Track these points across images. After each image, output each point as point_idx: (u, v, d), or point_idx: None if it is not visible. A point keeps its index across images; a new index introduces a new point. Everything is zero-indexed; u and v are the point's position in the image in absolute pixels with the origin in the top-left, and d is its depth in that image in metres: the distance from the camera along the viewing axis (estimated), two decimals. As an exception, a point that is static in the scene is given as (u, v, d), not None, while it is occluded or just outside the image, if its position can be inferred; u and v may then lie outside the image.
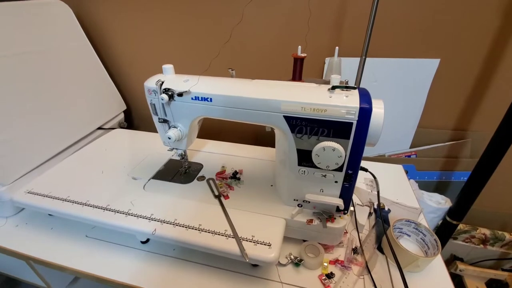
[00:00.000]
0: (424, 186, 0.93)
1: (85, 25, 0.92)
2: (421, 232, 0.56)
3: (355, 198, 0.68)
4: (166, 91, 0.49)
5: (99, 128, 0.90)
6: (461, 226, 0.96)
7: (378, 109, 0.42)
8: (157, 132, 0.58)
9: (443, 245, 0.93)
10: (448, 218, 0.84)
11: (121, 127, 0.99)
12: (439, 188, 0.95)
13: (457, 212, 0.82)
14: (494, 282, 0.97)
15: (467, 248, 1.02)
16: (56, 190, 0.60)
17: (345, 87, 0.43)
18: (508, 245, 0.99)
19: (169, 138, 0.53)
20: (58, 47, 0.81)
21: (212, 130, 0.83)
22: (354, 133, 0.42)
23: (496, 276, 0.97)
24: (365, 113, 0.41)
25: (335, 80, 0.45)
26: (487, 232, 0.98)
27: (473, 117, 0.84)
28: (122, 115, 1.03)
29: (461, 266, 0.98)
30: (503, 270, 1.01)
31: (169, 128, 0.54)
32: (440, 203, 0.85)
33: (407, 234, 0.58)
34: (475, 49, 0.75)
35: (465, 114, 0.84)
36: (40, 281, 0.70)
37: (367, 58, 0.75)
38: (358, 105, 0.41)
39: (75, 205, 0.57)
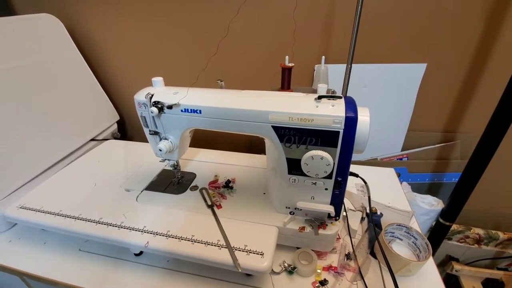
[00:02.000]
0: (417, 188, 0.94)
1: (76, 38, 0.93)
2: (412, 236, 0.56)
3: (347, 203, 0.68)
4: (155, 104, 0.49)
5: (92, 139, 0.90)
6: (455, 227, 0.97)
7: (363, 117, 0.42)
8: (150, 142, 0.59)
9: (437, 246, 0.94)
10: (441, 220, 0.85)
11: (115, 138, 0.99)
12: (432, 189, 0.96)
13: (450, 213, 0.83)
14: (490, 282, 0.98)
15: (462, 249, 1.03)
16: (48, 205, 0.60)
17: (331, 96, 0.44)
18: (503, 244, 1.00)
19: (160, 150, 0.53)
20: (49, 60, 0.81)
21: (204, 138, 0.83)
22: (341, 141, 0.43)
23: (492, 275, 0.98)
24: (351, 121, 0.41)
25: (322, 89, 0.46)
26: (481, 232, 0.99)
27: (462, 119, 0.85)
28: (115, 126, 1.03)
29: (457, 266, 0.99)
30: (498, 269, 1.01)
31: (160, 139, 0.55)
32: (432, 204, 0.86)
33: (399, 238, 0.59)
34: (460, 54, 0.76)
35: (454, 116, 0.85)
36: (35, 297, 0.69)
37: (357, 65, 0.76)
38: (344, 114, 0.41)
39: (67, 219, 0.56)
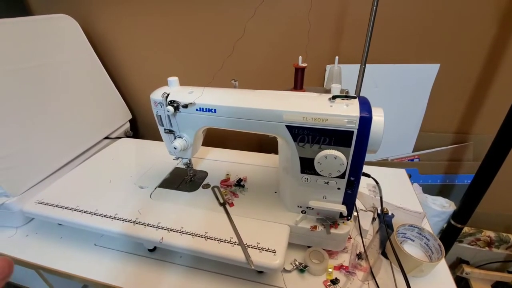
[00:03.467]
0: (428, 189, 0.93)
1: (92, 38, 0.95)
2: (424, 237, 0.56)
3: (358, 203, 0.68)
4: (171, 103, 0.50)
5: (106, 137, 0.92)
6: (466, 229, 0.96)
7: (378, 117, 0.43)
8: (162, 140, 0.60)
9: (448, 248, 0.93)
10: (452, 222, 0.84)
11: (127, 136, 1.01)
12: (443, 191, 0.95)
13: (462, 215, 0.82)
14: (500, 285, 0.97)
15: (472, 251, 1.02)
16: (65, 200, 0.62)
17: (345, 96, 0.44)
18: (514, 247, 0.99)
19: (175, 148, 0.54)
20: (65, 60, 0.83)
21: (216, 138, 0.84)
22: (355, 141, 0.43)
23: (502, 278, 0.97)
24: (365, 121, 0.42)
25: (336, 89, 0.47)
26: (492, 234, 0.97)
27: (475, 121, 0.84)
28: (128, 124, 1.05)
29: (467, 269, 0.98)
30: (509, 272, 1.00)
31: (175, 138, 0.56)
32: (444, 206, 0.85)
33: (410, 239, 0.59)
34: (473, 54, 0.76)
35: (466, 117, 0.84)
36: (50, 290, 0.71)
37: (368, 65, 0.76)
38: (358, 114, 0.42)
39: (84, 215, 0.58)
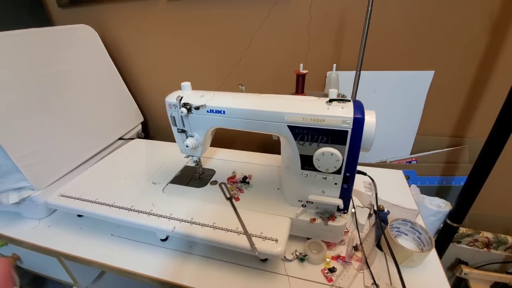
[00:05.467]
0: (426, 191, 0.97)
1: (109, 47, 1.02)
2: (417, 230, 0.60)
3: (356, 200, 0.73)
4: (185, 105, 0.56)
5: (120, 138, 0.99)
6: (463, 230, 0.99)
7: (370, 118, 0.48)
8: (172, 141, 0.65)
9: (445, 247, 0.96)
10: (448, 221, 0.87)
11: (139, 137, 1.07)
12: (440, 192, 0.98)
13: (457, 214, 0.85)
14: (499, 285, 0.99)
15: (471, 252, 1.04)
16: (85, 194, 0.68)
17: (341, 100, 0.49)
18: (512, 249, 1.01)
19: (187, 146, 0.60)
20: (85, 66, 0.90)
21: (223, 139, 0.90)
22: (350, 139, 0.48)
23: (500, 279, 0.99)
24: (358, 122, 0.47)
25: (333, 93, 0.52)
26: (489, 235, 1.00)
27: (469, 125, 0.88)
28: (140, 126, 1.11)
29: (465, 269, 1.00)
30: (507, 273, 1.02)
31: (187, 137, 0.61)
32: (440, 206, 0.89)
33: (404, 233, 0.63)
34: (466, 61, 0.80)
35: (461, 121, 0.88)
36: (68, 278, 0.77)
37: (366, 72, 0.81)
38: (352, 115, 0.47)
39: (103, 207, 0.64)
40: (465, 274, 1.01)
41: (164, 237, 0.63)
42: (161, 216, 0.60)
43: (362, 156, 0.50)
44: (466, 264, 1.05)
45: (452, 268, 1.07)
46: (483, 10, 0.74)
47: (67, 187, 0.71)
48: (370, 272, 0.55)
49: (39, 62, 0.77)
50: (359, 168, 0.56)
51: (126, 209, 0.62)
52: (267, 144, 1.07)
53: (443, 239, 0.92)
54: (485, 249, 1.03)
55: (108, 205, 0.64)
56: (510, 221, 1.01)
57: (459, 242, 1.03)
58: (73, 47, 0.88)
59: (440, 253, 0.98)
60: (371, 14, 0.63)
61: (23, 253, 0.81)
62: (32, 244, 0.67)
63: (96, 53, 0.96)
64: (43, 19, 1.08)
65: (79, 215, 0.71)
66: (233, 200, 0.64)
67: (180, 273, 0.57)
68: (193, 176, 0.73)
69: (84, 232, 0.68)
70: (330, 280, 0.54)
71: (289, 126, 0.51)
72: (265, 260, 0.58)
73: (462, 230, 0.98)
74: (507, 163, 0.84)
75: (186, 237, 0.56)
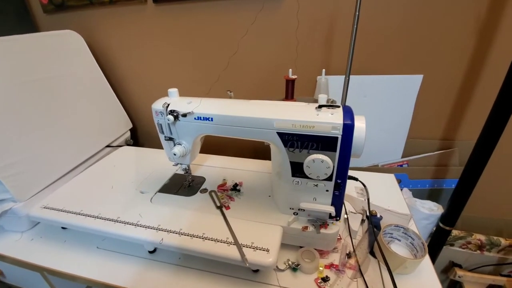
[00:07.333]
0: (418, 194, 0.97)
1: (95, 52, 1.00)
2: (410, 236, 0.60)
3: (348, 206, 0.72)
4: (171, 112, 0.54)
5: (108, 146, 0.96)
6: (456, 232, 0.99)
7: (360, 124, 0.47)
8: (161, 148, 0.64)
9: (438, 250, 0.95)
10: (441, 224, 0.87)
11: (128, 145, 1.05)
12: (432, 195, 0.98)
13: (449, 217, 0.85)
14: (493, 288, 0.99)
15: (464, 255, 1.04)
16: (69, 205, 0.65)
17: (330, 105, 0.48)
18: (505, 250, 1.02)
19: (175, 154, 0.58)
20: (71, 73, 0.88)
21: (213, 145, 0.88)
22: (340, 146, 0.47)
23: (494, 281, 0.99)
24: (348, 128, 0.46)
25: (322, 99, 0.51)
26: (482, 238, 1.00)
27: (459, 127, 0.89)
28: (128, 133, 1.09)
29: (459, 272, 1.00)
30: (501, 275, 1.02)
31: (174, 145, 0.60)
32: (432, 210, 0.88)
33: (397, 239, 0.62)
34: (455, 65, 0.81)
35: (451, 124, 0.89)
36: (53, 293, 0.73)
37: (357, 76, 0.81)
38: (342, 122, 0.46)
39: (88, 218, 0.61)
40: (459, 277, 1.01)
41: (152, 249, 0.61)
42: (148, 227, 0.58)
43: (353, 160, 0.49)
44: (460, 266, 1.05)
45: (446, 271, 1.07)
46: (470, 14, 0.74)
47: (51, 198, 0.68)
48: (364, 280, 0.54)
49: (23, 68, 0.74)
50: (350, 172, 0.55)
51: (112, 220, 0.60)
52: (258, 150, 1.06)
53: (436, 242, 0.92)
54: (478, 251, 1.03)
55: (93, 216, 0.61)
56: (502, 223, 1.02)
57: (452, 245, 1.03)
58: (59, 53, 0.85)
59: (434, 256, 0.97)
60: (359, 19, 0.63)
61: (6, 268, 0.77)
62: (14, 259, 0.64)
63: (82, 59, 0.94)
64: (28, 25, 1.06)
65: (63, 228, 0.69)
66: (224, 209, 0.62)
67: (169, 286, 0.55)
68: (182, 185, 0.72)
69: (69, 245, 0.66)
70: (324, 289, 0.53)
71: (278, 133, 0.50)
72: (256, 270, 0.56)
73: (454, 232, 0.98)
74: (498, 165, 0.84)
75: (175, 249, 0.54)
